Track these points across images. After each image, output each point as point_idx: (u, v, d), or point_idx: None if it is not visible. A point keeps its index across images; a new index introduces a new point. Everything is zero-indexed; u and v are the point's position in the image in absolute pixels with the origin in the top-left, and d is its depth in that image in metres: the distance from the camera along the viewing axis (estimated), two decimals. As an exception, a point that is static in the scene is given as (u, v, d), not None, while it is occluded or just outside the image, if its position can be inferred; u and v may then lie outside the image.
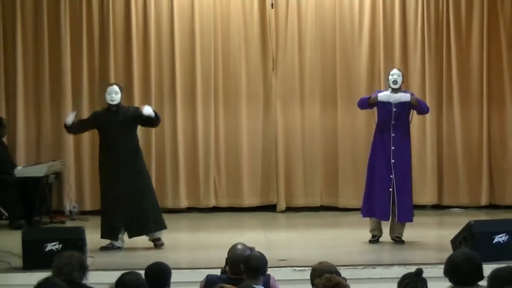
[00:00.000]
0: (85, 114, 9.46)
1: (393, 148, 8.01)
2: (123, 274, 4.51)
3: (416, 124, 9.83)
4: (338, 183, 10.50)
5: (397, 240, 8.11)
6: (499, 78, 10.54)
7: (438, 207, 10.55)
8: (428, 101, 10.09)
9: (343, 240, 8.38)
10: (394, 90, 8.07)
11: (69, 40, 10.27)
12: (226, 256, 5.14)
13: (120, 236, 7.93)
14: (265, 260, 4.91)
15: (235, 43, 10.52)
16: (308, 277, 4.64)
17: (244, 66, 10.51)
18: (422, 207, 10.18)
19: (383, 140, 8.06)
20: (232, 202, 10.50)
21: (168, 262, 4.99)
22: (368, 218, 8.20)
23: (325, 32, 10.57)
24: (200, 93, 10.44)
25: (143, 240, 8.00)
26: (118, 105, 7.96)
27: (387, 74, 8.37)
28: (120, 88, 8.09)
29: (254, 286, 4.58)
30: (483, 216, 9.57)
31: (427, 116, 9.77)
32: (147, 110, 7.81)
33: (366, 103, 8.16)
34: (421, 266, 4.37)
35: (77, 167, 10.29)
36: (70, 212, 10.05)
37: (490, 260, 5.78)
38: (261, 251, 5.04)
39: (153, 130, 9.92)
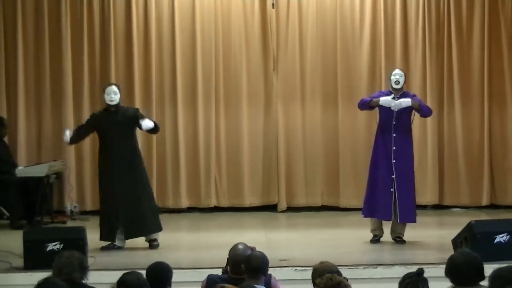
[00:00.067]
0: (86, 114, 9.47)
1: (394, 148, 7.98)
2: (124, 274, 4.50)
3: (416, 123, 9.77)
4: (339, 183, 10.50)
5: (398, 240, 8.10)
6: (500, 78, 10.53)
7: (439, 207, 10.54)
8: (429, 101, 10.11)
9: (344, 240, 8.38)
10: (396, 91, 8.05)
11: (70, 41, 10.27)
12: (227, 256, 5.13)
13: (118, 235, 7.91)
14: (266, 260, 4.91)
15: (236, 43, 10.51)
16: (309, 277, 4.65)
17: (245, 66, 10.51)
18: (423, 207, 10.16)
19: (384, 140, 8.04)
20: (233, 202, 10.50)
21: (169, 262, 4.99)
22: (369, 218, 8.21)
23: (326, 31, 10.56)
24: (201, 93, 10.44)
25: (143, 240, 8.00)
26: (117, 106, 7.93)
27: (388, 73, 8.37)
28: (119, 88, 8.07)
29: (255, 286, 4.58)
30: (484, 216, 9.57)
31: (428, 115, 9.78)
32: (146, 126, 7.73)
33: (367, 105, 8.12)
34: (422, 266, 4.39)
35: (78, 167, 10.29)
36: (71, 212, 10.05)
37: (491, 260, 5.76)
38: (262, 251, 5.04)
39: (154, 130, 9.93)
